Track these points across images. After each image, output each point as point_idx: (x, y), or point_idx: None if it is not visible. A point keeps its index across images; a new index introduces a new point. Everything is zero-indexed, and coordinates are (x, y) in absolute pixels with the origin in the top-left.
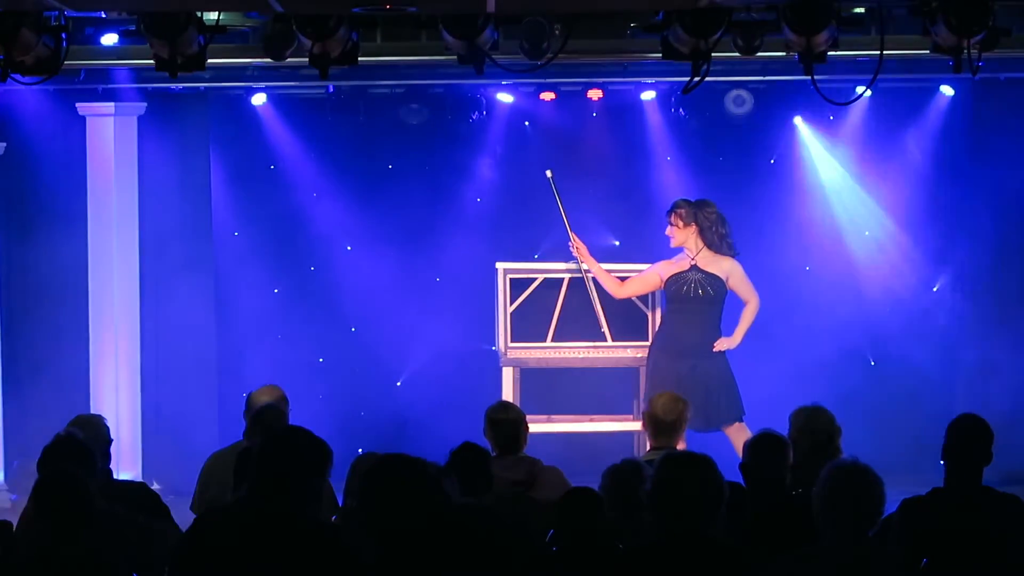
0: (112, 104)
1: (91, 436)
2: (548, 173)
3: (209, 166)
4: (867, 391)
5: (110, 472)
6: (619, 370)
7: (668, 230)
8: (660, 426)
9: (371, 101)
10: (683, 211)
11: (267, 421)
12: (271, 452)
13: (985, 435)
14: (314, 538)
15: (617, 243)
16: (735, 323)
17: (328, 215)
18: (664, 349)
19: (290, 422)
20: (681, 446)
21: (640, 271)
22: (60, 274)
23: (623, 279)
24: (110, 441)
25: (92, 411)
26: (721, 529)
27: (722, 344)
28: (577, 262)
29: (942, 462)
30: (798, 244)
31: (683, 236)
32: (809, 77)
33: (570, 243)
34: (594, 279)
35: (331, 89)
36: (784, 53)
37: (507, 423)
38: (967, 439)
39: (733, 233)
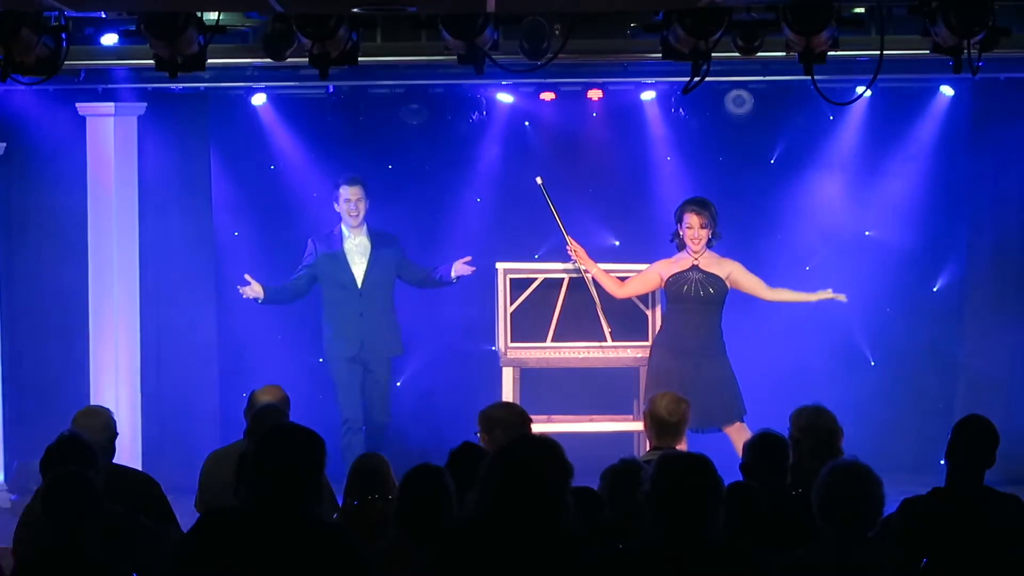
0: (112, 104)
1: (97, 427)
2: (538, 180)
3: (209, 166)
4: (867, 391)
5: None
6: (619, 370)
7: (698, 232)
8: (663, 426)
9: (371, 101)
10: (713, 212)
11: (268, 422)
12: (265, 453)
13: (991, 437)
14: (318, 537)
15: (617, 243)
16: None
17: (328, 215)
18: (665, 348)
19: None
20: (682, 446)
21: (640, 271)
22: (60, 274)
23: (623, 279)
24: (116, 434)
25: None
26: (721, 529)
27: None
28: (576, 265)
29: (943, 461)
30: (798, 244)
31: (705, 237)
32: (809, 77)
33: (568, 247)
34: (594, 280)
35: (331, 89)
36: (784, 53)
37: (512, 423)
38: (972, 440)
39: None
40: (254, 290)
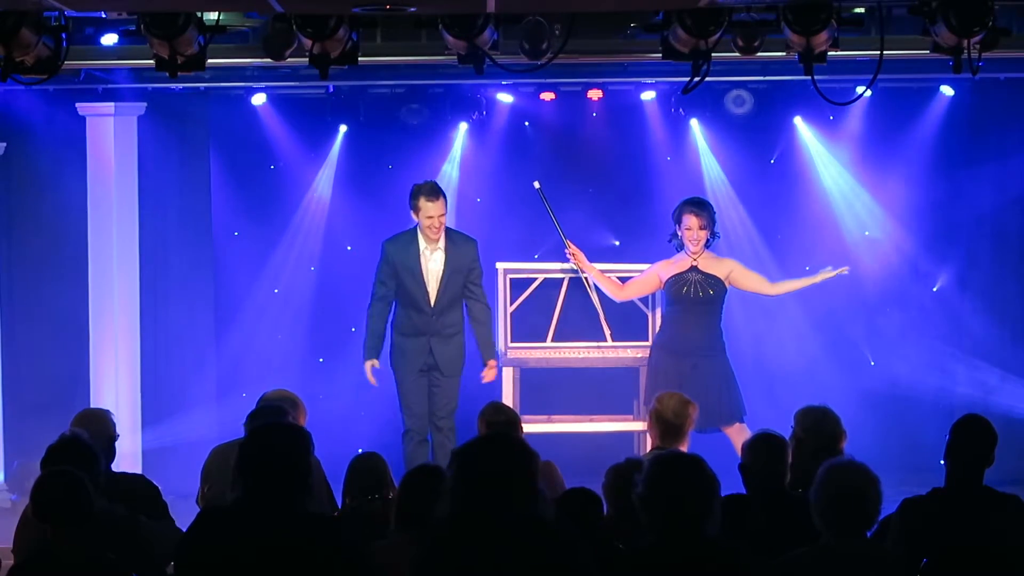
0: (112, 104)
1: (96, 431)
2: (536, 184)
3: (209, 166)
4: (867, 391)
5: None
6: (619, 370)
7: (697, 234)
8: (668, 427)
9: (371, 101)
10: (711, 213)
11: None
12: (249, 451)
13: (988, 436)
14: (312, 531)
15: (617, 243)
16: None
17: (328, 215)
18: (665, 349)
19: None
20: (684, 448)
21: (640, 271)
22: (60, 273)
23: (623, 280)
24: (115, 436)
25: None
26: (721, 529)
27: (827, 273)
28: (574, 265)
29: (943, 461)
30: (798, 244)
31: (704, 238)
32: (809, 77)
33: (567, 251)
34: (594, 283)
35: (331, 89)
36: (784, 53)
37: (501, 425)
38: (970, 439)
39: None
40: (374, 367)
